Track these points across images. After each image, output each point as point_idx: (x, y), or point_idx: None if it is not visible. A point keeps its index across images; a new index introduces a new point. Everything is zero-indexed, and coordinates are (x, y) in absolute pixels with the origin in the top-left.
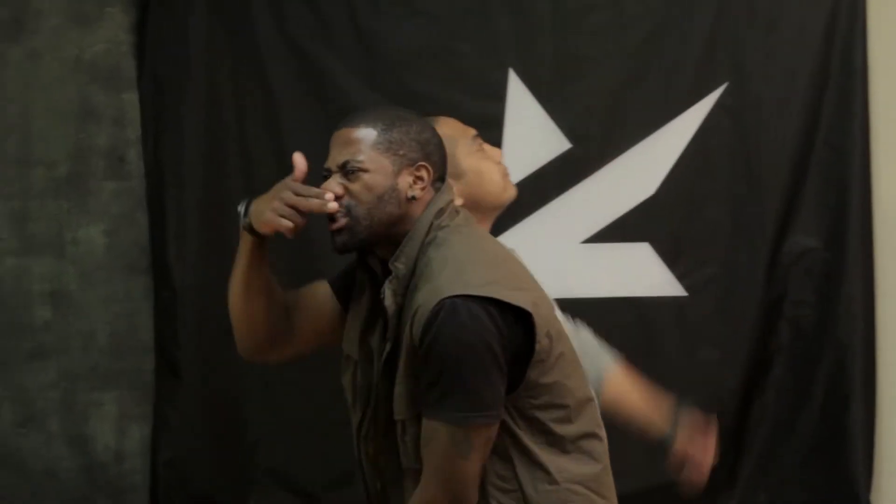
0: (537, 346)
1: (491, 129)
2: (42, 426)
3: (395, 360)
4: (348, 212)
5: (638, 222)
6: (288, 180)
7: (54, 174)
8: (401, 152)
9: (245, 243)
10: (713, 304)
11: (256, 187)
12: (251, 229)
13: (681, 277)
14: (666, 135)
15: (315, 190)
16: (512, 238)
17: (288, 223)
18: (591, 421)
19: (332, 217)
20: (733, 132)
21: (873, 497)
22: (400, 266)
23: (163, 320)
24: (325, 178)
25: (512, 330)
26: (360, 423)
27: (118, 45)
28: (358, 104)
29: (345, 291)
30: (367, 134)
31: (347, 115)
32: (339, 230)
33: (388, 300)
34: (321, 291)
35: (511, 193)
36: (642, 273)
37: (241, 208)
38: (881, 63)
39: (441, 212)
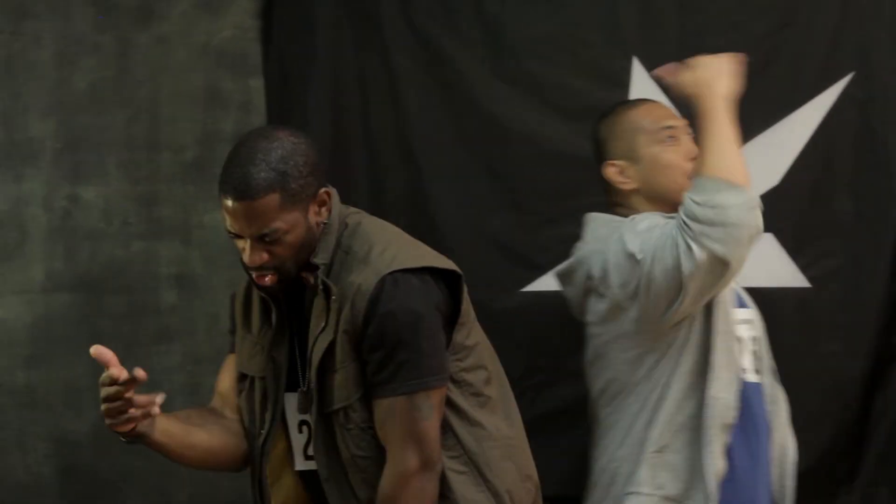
0: (463, 308)
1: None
2: (168, 408)
3: (332, 352)
4: (277, 269)
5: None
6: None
7: (181, 159)
8: (304, 195)
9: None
10: (837, 296)
11: (380, 174)
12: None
13: (804, 269)
14: (790, 124)
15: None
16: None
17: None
18: (506, 384)
19: (262, 277)
20: (859, 122)
21: None
22: (323, 259)
23: None
24: (233, 236)
25: (444, 294)
26: (266, 438)
27: (245, 31)
28: (481, 91)
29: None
30: (269, 201)
31: (234, 181)
32: (271, 285)
33: (332, 289)
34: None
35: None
36: (765, 264)
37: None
38: None
39: (345, 206)
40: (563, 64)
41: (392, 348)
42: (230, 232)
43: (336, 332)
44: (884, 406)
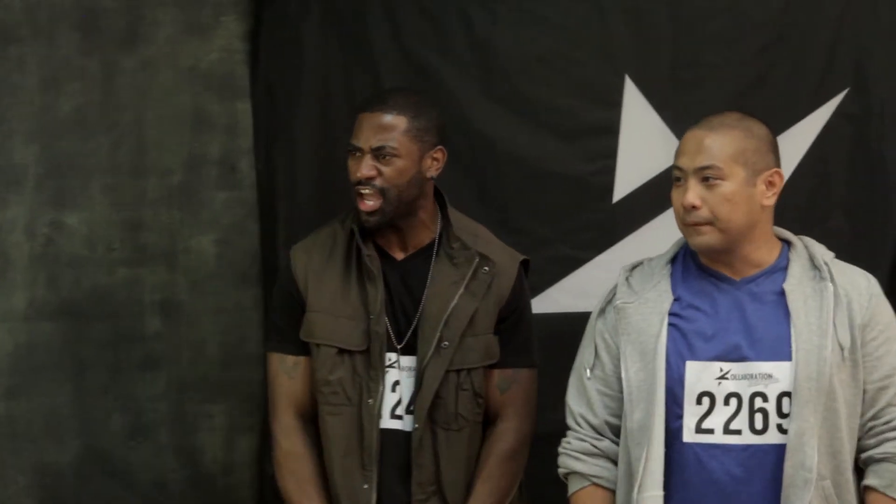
0: None
1: (607, 137)
2: (151, 437)
3: (473, 318)
4: (381, 191)
5: None
6: None
7: (167, 183)
8: (426, 138)
9: None
10: None
11: None
12: None
13: None
14: (785, 142)
15: None
16: (630, 243)
17: None
18: None
19: (363, 197)
20: (853, 139)
21: None
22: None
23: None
24: (351, 154)
25: None
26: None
27: (232, 54)
28: (472, 112)
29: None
30: (398, 121)
31: (374, 98)
32: (373, 212)
33: (491, 261)
34: (292, 371)
35: (691, 241)
36: None
37: None
38: None
39: None
40: (554, 84)
41: (527, 328)
42: (351, 146)
43: (482, 300)
44: None
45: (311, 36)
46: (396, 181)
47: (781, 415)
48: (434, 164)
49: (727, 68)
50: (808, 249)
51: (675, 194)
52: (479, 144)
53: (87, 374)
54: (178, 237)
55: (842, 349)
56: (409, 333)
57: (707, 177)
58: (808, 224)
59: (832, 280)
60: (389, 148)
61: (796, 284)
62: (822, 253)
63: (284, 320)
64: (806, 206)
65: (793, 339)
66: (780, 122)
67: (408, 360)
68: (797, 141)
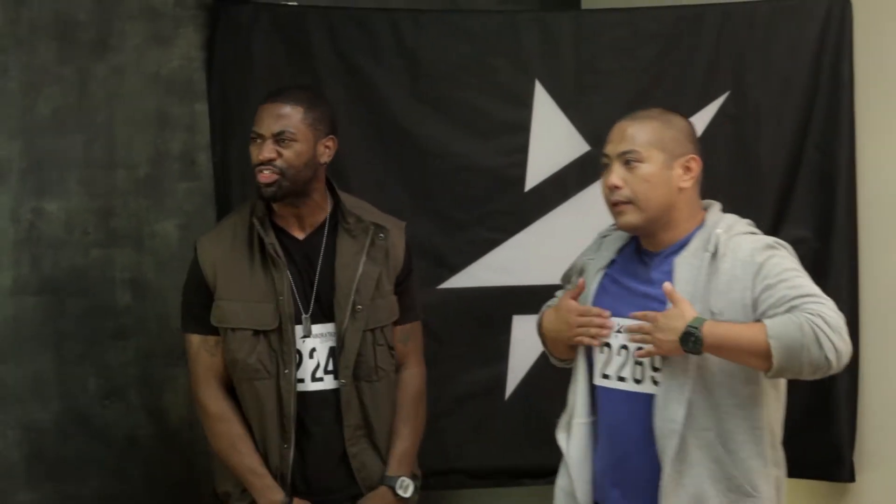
0: None
1: (519, 134)
2: (123, 398)
3: (379, 281)
4: (280, 171)
5: None
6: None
7: (135, 176)
8: (319, 127)
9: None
10: None
11: None
12: None
13: None
14: None
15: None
16: (540, 226)
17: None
18: None
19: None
20: (733, 136)
21: (856, 457)
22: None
23: None
24: (253, 140)
25: None
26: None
27: (191, 61)
28: (401, 112)
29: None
30: (295, 111)
31: (274, 92)
32: (270, 183)
33: (386, 230)
34: (212, 348)
35: (616, 221)
36: None
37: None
38: (866, 75)
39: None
40: (473, 87)
41: (414, 286)
42: (254, 133)
43: (383, 265)
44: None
45: (259, 45)
46: (294, 162)
47: (654, 369)
48: (326, 151)
49: (623, 74)
50: (713, 227)
51: (603, 178)
52: (407, 141)
53: (65, 343)
54: (145, 222)
55: (712, 314)
56: (315, 303)
57: (628, 160)
58: None
59: (715, 253)
60: (288, 133)
61: (688, 257)
62: (727, 227)
63: (198, 307)
64: None
65: (668, 304)
66: None
67: (320, 328)
68: None
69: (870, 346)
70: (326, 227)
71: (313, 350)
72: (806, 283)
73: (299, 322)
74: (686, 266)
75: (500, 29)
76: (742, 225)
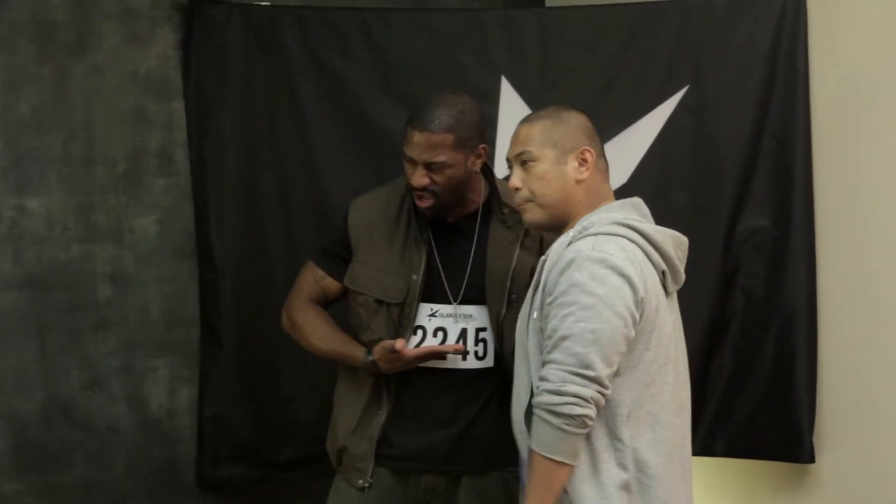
0: None
1: (487, 128)
2: (105, 389)
3: (531, 271)
4: (434, 194)
5: None
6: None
7: (113, 172)
8: (469, 144)
9: (356, 362)
10: None
11: (287, 183)
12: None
13: None
14: (636, 131)
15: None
16: None
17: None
18: None
19: (421, 198)
20: (694, 128)
21: (815, 439)
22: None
23: (206, 296)
24: (406, 161)
25: None
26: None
27: (167, 61)
28: (372, 108)
29: (337, 266)
30: (445, 139)
31: (423, 117)
32: (428, 207)
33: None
34: (320, 280)
35: (523, 221)
36: None
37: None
38: (820, 66)
39: None
40: (442, 83)
41: None
42: (406, 157)
43: (536, 255)
44: (719, 369)
45: (233, 44)
46: (447, 185)
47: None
48: (478, 160)
49: (586, 69)
50: (576, 227)
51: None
52: (377, 135)
53: (48, 336)
54: (124, 218)
55: (528, 316)
56: (463, 286)
57: (524, 160)
58: (657, 198)
59: (549, 249)
60: (439, 162)
61: (551, 253)
62: (584, 227)
63: (330, 250)
64: (655, 183)
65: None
66: (632, 113)
67: (465, 309)
68: (647, 129)
69: (827, 331)
70: (479, 213)
71: (439, 329)
72: (565, 324)
73: (432, 300)
74: (550, 259)
75: (466, 27)
76: (604, 224)
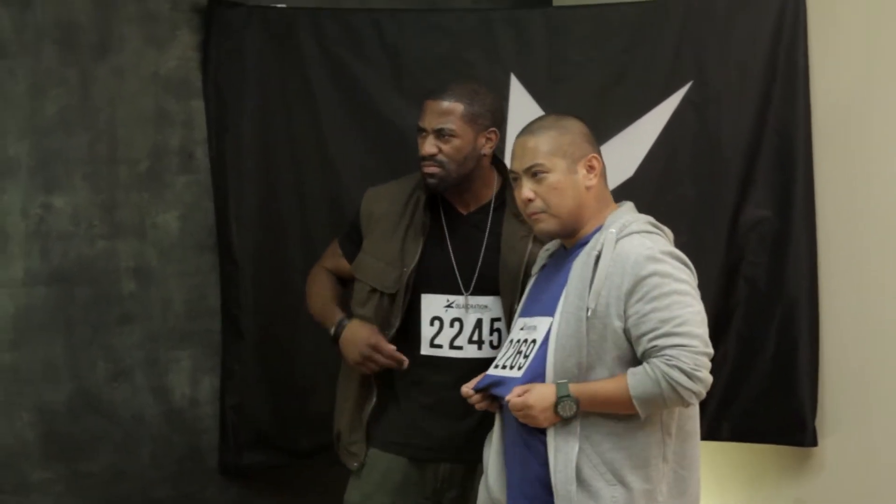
0: None
1: (503, 122)
2: (130, 380)
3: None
4: (440, 164)
5: (619, 199)
6: (375, 343)
7: (136, 170)
8: (480, 121)
9: (328, 325)
10: None
11: (303, 177)
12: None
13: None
14: (642, 126)
15: (390, 352)
16: None
17: (365, 370)
18: None
19: (428, 166)
20: (697, 122)
21: (818, 423)
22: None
23: (227, 289)
24: (419, 133)
25: None
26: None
27: (187, 62)
28: (384, 105)
29: (352, 249)
30: (456, 107)
31: (436, 89)
32: (433, 175)
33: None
34: (338, 257)
35: (535, 230)
36: None
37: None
38: (820, 60)
39: None
40: (451, 80)
41: None
42: (419, 127)
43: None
44: (724, 356)
45: (251, 44)
46: (454, 156)
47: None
48: (488, 143)
49: (593, 66)
50: (609, 226)
51: (516, 193)
52: (390, 131)
53: (75, 329)
54: (147, 214)
55: (589, 311)
56: (475, 277)
57: (535, 172)
58: (662, 191)
59: (600, 253)
60: (448, 129)
61: (582, 257)
62: (621, 227)
63: (348, 235)
64: (661, 176)
65: (561, 299)
66: (637, 109)
67: (479, 300)
68: (652, 124)
69: (829, 318)
70: (492, 206)
71: (456, 319)
72: (676, 312)
73: (444, 291)
74: (579, 266)
75: (475, 26)
76: (639, 223)
